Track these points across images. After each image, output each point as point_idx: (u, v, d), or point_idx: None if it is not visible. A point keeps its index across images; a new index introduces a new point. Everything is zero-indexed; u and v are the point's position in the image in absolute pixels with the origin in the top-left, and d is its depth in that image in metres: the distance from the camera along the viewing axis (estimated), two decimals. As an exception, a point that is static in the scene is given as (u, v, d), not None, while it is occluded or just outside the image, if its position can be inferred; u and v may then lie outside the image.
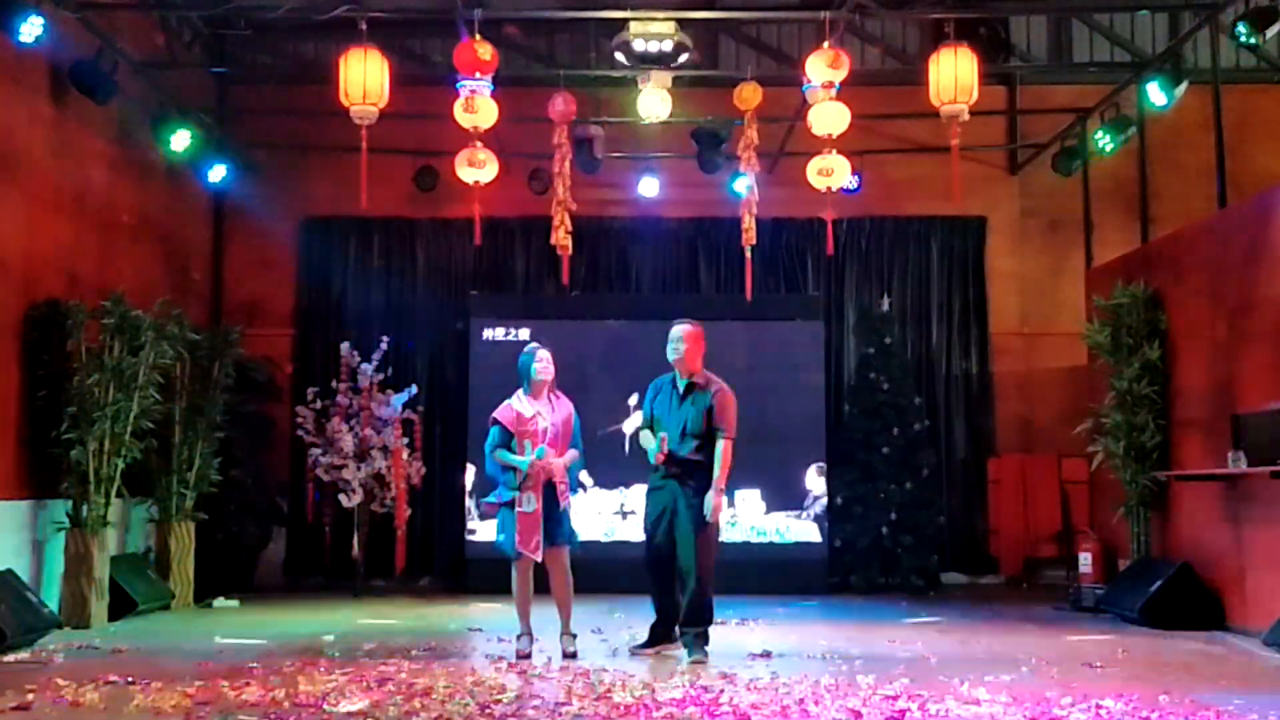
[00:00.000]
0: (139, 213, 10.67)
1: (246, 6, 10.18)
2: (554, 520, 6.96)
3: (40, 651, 7.24)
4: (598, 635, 7.80)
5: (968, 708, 5.29)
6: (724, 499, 7.01)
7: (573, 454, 7.09)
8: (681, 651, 6.96)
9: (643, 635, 7.29)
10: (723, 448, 6.92)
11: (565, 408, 7.12)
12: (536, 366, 7.06)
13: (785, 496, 11.58)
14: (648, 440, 7.11)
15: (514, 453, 6.94)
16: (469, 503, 11.54)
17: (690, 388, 7.08)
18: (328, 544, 11.50)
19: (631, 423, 7.77)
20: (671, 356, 7.12)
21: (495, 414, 7.12)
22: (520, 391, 7.11)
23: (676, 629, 7.11)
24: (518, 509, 6.91)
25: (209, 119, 11.49)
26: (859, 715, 5.14)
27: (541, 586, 7.06)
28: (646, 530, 7.17)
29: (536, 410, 7.01)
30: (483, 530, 11.33)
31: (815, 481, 11.59)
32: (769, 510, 11.55)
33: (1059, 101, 12.11)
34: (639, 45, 8.92)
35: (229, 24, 11.43)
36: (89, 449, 8.50)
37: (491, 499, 7.11)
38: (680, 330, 7.12)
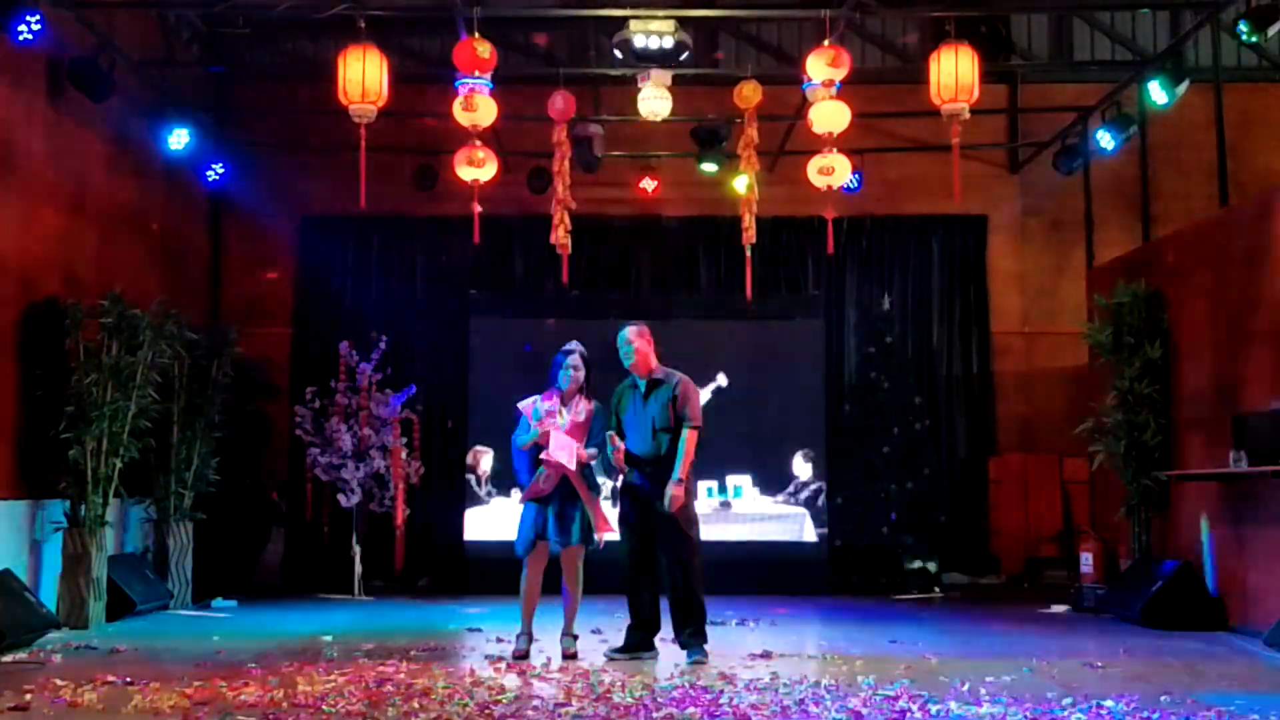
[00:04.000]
0: (137, 211, 10.64)
1: (245, 5, 10.14)
2: (568, 519, 6.95)
3: (38, 652, 7.22)
4: (598, 636, 7.78)
5: (968, 708, 5.26)
6: (685, 490, 6.87)
7: (590, 452, 7.04)
8: (656, 660, 6.93)
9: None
10: (687, 437, 6.90)
11: (584, 410, 7.06)
12: (561, 375, 7.05)
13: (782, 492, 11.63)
14: (616, 444, 7.09)
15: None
16: (479, 490, 11.52)
17: (652, 385, 7.08)
18: (326, 544, 11.48)
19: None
20: (627, 361, 7.11)
21: (520, 404, 7.16)
22: (552, 390, 7.11)
23: (655, 640, 7.08)
24: (534, 481, 6.93)
25: (207, 117, 11.47)
26: (859, 715, 5.11)
27: (547, 587, 7.05)
28: (623, 529, 7.15)
29: (554, 409, 7.00)
30: (482, 530, 11.33)
31: (803, 468, 11.60)
32: (761, 492, 11.61)
33: (1060, 100, 12.08)
34: (639, 42, 8.89)
35: (227, 22, 11.38)
36: (87, 448, 8.47)
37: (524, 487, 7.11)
38: (627, 333, 7.11)
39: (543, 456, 6.92)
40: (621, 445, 6.97)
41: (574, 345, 7.19)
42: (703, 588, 7.00)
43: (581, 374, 7.07)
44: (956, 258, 12.83)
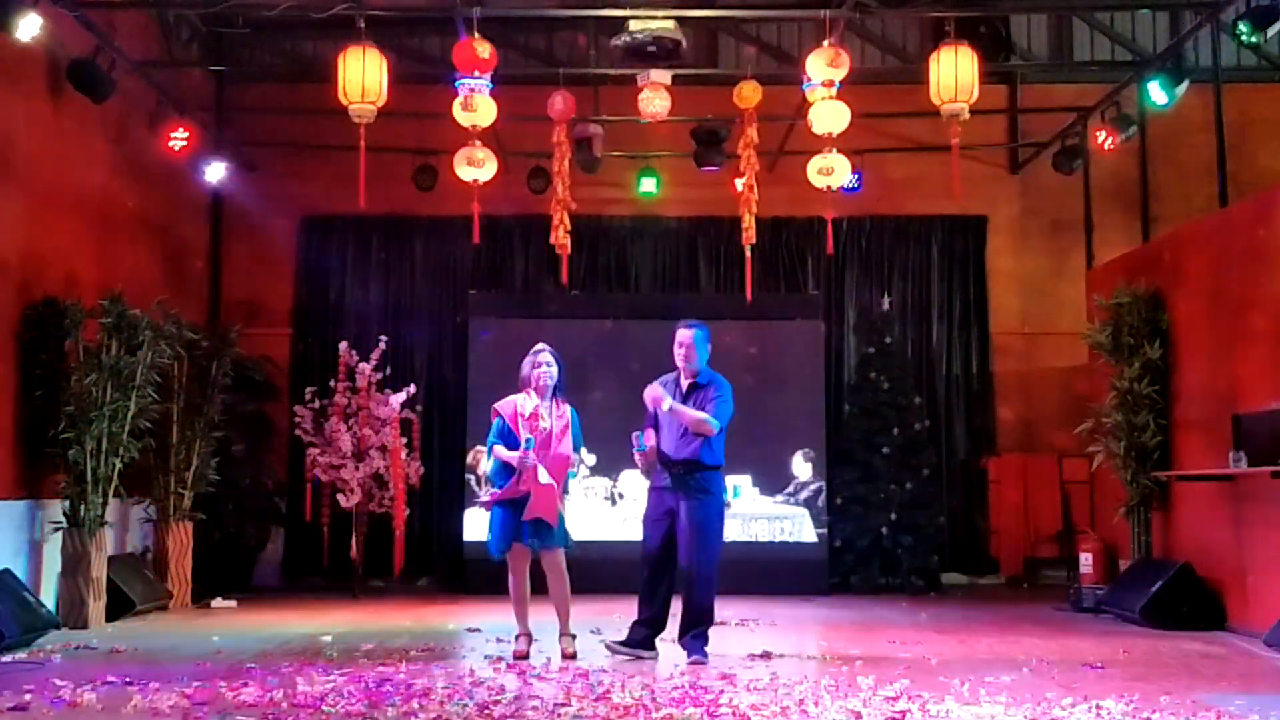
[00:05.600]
0: (137, 212, 10.64)
1: (245, 4, 10.14)
2: (546, 521, 6.92)
3: (38, 652, 7.22)
4: (597, 636, 7.77)
5: (968, 708, 5.26)
6: (661, 394, 6.96)
7: (572, 458, 7.02)
8: (656, 660, 6.93)
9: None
10: (704, 416, 6.85)
11: (563, 414, 7.05)
12: (534, 374, 7.02)
13: (782, 492, 11.63)
14: (650, 439, 7.06)
15: (513, 448, 6.90)
16: (480, 491, 11.51)
17: (692, 389, 7.06)
18: (326, 544, 11.48)
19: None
20: (679, 361, 7.09)
21: (496, 405, 7.09)
22: (528, 391, 7.07)
23: (656, 640, 7.07)
24: (510, 482, 6.86)
25: (207, 117, 11.47)
26: (859, 716, 5.11)
27: (539, 588, 7.04)
28: (645, 528, 7.14)
29: (536, 408, 6.98)
30: (482, 530, 11.30)
31: (802, 468, 11.61)
32: (761, 493, 11.59)
33: (1060, 100, 12.08)
34: (638, 41, 8.88)
35: (227, 22, 11.39)
36: (86, 449, 8.46)
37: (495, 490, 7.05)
38: (685, 334, 7.08)
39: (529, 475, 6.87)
40: (651, 444, 6.95)
41: (542, 346, 7.15)
42: (715, 595, 6.99)
43: (555, 371, 7.04)
44: (956, 258, 12.83)
